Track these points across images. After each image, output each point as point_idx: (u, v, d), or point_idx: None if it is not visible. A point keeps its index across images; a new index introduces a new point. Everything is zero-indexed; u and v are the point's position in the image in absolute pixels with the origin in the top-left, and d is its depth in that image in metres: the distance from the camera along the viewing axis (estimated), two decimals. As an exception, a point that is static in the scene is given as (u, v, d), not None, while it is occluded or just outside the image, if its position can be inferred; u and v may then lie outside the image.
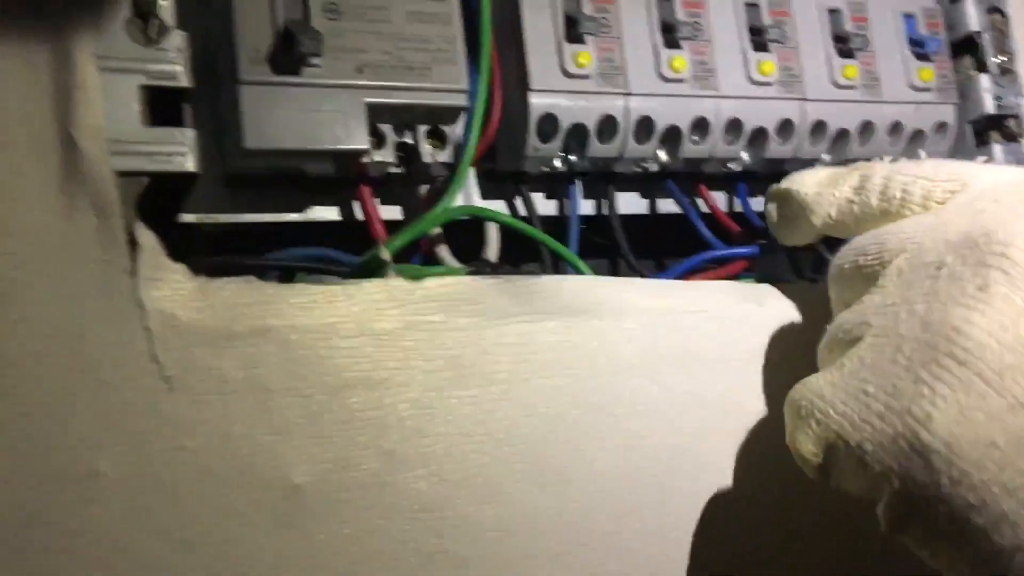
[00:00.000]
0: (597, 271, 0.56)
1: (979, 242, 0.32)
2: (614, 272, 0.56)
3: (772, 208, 0.45)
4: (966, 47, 0.56)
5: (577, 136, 0.47)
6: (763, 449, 0.43)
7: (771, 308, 0.45)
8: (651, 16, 0.48)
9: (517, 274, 0.52)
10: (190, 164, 0.36)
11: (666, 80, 0.47)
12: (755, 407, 0.43)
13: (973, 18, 0.55)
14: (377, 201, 0.45)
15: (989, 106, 0.55)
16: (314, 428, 0.36)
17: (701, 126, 0.49)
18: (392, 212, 0.47)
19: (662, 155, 0.49)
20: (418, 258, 0.45)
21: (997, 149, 0.55)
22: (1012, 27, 0.56)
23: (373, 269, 0.39)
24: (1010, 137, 0.55)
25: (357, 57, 0.41)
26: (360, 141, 0.41)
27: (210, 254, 0.44)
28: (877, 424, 0.30)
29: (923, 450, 0.29)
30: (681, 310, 0.43)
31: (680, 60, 0.47)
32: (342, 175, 0.43)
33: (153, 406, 0.33)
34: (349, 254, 0.44)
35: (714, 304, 0.44)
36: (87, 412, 0.32)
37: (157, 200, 0.38)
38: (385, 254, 0.39)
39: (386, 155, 0.43)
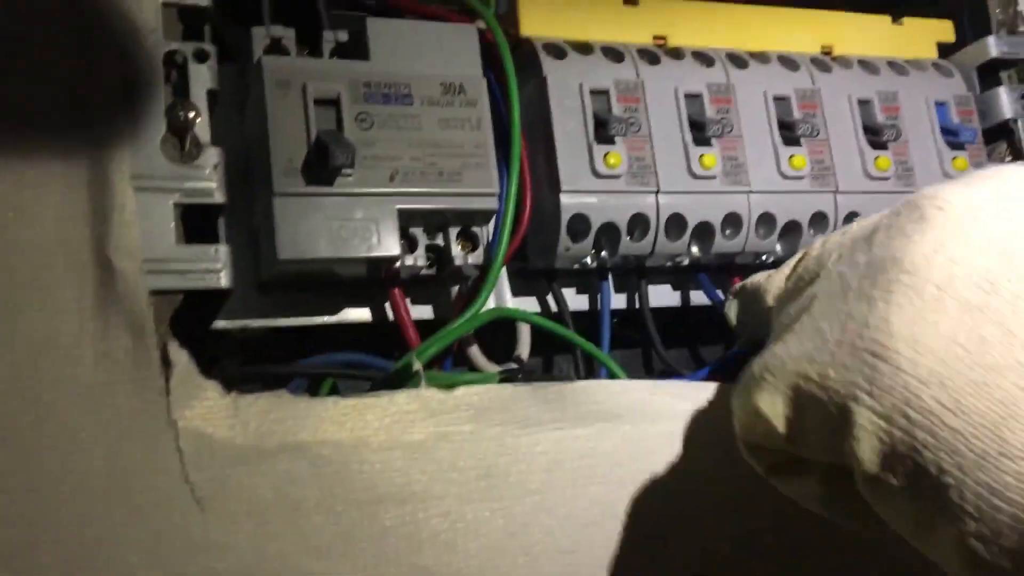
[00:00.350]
0: (630, 363, 0.56)
1: (910, 199, 0.33)
2: (647, 364, 0.56)
3: (733, 304, 0.44)
4: (1000, 133, 0.56)
5: (608, 234, 0.47)
6: (808, 554, 0.42)
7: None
8: (680, 114, 0.48)
9: (550, 372, 0.52)
10: (224, 281, 0.37)
11: (696, 177, 0.47)
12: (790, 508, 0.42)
13: (1007, 105, 0.55)
14: (409, 301, 0.45)
15: (1026, 194, 0.54)
16: (346, 545, 0.36)
17: (733, 221, 0.49)
18: (424, 311, 0.47)
19: (694, 250, 0.49)
20: (450, 361, 0.44)
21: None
22: (1046, 113, 0.55)
23: (404, 379, 0.39)
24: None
25: (389, 165, 0.42)
26: (391, 248, 0.41)
27: (245, 358, 0.45)
28: (835, 350, 0.30)
29: (887, 355, 0.28)
30: (714, 413, 0.43)
31: (710, 157, 0.47)
32: (374, 277, 0.44)
33: (185, 529, 0.33)
34: (381, 357, 0.44)
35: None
36: (120, 539, 0.32)
37: (191, 309, 0.39)
38: (416, 364, 0.39)
39: (418, 258, 0.43)
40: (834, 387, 0.30)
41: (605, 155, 0.45)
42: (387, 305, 0.45)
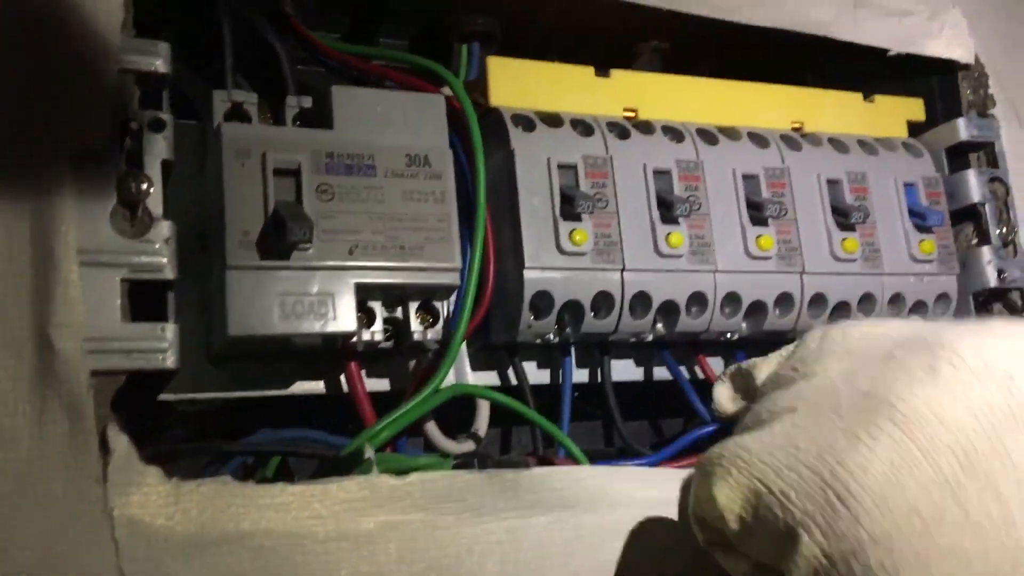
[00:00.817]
0: (591, 435, 0.55)
1: (928, 338, 0.33)
2: (608, 437, 0.55)
3: (723, 386, 0.43)
4: (967, 216, 0.56)
5: (572, 311, 0.46)
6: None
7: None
8: (649, 191, 0.47)
9: (508, 444, 0.51)
10: (170, 362, 0.35)
11: (663, 255, 0.47)
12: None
13: (975, 188, 0.55)
14: (365, 373, 0.44)
15: (991, 279, 0.54)
16: (286, 643, 0.34)
17: (698, 300, 0.48)
18: (381, 384, 0.46)
19: (659, 328, 0.48)
20: (405, 439, 0.43)
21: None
22: (1014, 198, 0.55)
23: (355, 463, 0.38)
24: (1013, 310, 0.54)
25: (349, 238, 0.41)
26: (347, 324, 0.40)
27: (193, 431, 0.43)
28: (805, 473, 0.30)
29: (851, 503, 0.29)
30: (669, 500, 0.42)
31: (677, 236, 0.47)
32: (330, 348, 0.42)
33: (117, 625, 0.32)
34: (336, 432, 0.43)
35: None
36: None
37: (135, 384, 0.37)
38: (368, 452, 0.37)
39: (375, 332, 0.42)
40: (792, 510, 0.29)
41: (571, 232, 0.45)
42: (343, 377, 0.44)
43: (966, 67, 0.58)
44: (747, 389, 0.42)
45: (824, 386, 0.33)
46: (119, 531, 0.33)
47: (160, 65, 0.38)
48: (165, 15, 0.43)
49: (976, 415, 0.30)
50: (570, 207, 0.45)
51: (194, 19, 0.44)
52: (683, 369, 0.51)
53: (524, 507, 0.39)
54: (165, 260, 0.36)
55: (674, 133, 0.50)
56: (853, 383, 0.32)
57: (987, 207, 0.55)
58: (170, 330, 0.35)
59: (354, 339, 0.41)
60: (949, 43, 0.57)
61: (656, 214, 0.47)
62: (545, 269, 0.44)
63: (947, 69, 0.58)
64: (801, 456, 0.30)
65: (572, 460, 0.44)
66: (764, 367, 0.41)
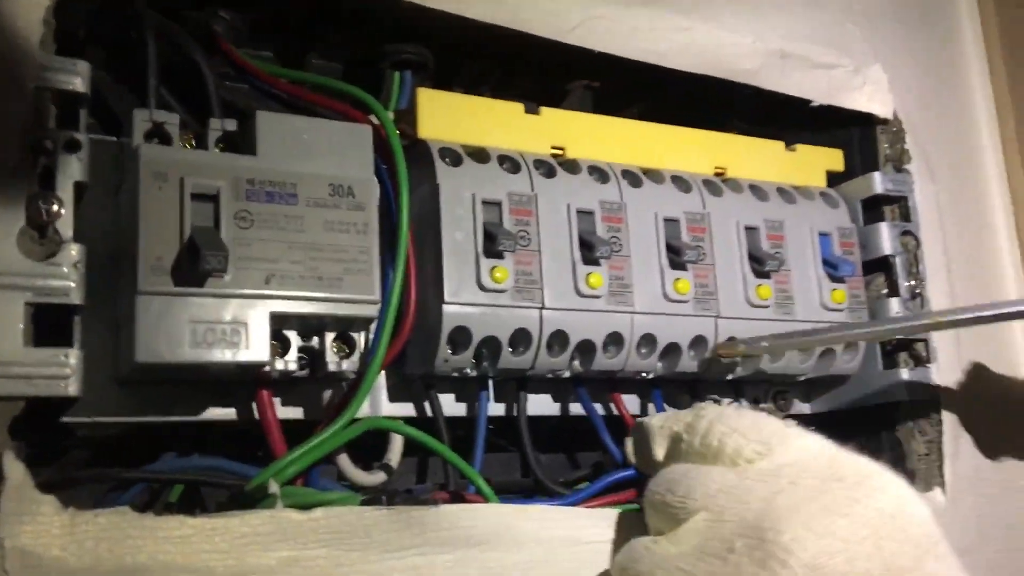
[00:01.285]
0: (507, 466, 0.55)
1: (767, 537, 0.34)
2: (525, 467, 0.55)
3: (630, 442, 0.45)
4: (878, 267, 0.57)
5: (490, 347, 0.46)
6: None
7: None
8: (571, 231, 0.48)
9: (424, 475, 0.51)
10: (72, 389, 0.34)
11: (582, 296, 0.47)
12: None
13: (887, 240, 0.57)
14: (280, 401, 0.44)
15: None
16: None
17: (615, 340, 0.49)
18: (295, 412, 0.45)
19: (576, 365, 0.49)
20: (317, 470, 0.43)
21: (904, 372, 0.55)
22: (924, 252, 0.57)
23: (261, 497, 0.38)
24: (918, 361, 0.56)
25: (266, 267, 0.40)
26: (260, 354, 0.40)
27: (97, 456, 0.42)
28: None
29: None
30: (577, 541, 0.42)
31: (597, 277, 0.47)
32: (243, 376, 0.42)
33: (1, 662, 0.31)
34: (246, 460, 0.42)
35: (601, 534, 0.43)
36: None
37: (36, 407, 0.36)
38: (273, 487, 0.37)
39: (289, 361, 0.42)
40: None
41: (492, 269, 0.45)
42: (255, 405, 0.44)
43: (885, 121, 0.60)
44: (645, 451, 0.43)
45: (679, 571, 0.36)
46: (10, 563, 0.32)
47: (79, 84, 0.37)
48: (95, 31, 0.43)
49: None
50: (493, 244, 0.45)
51: (122, 35, 0.44)
52: (598, 406, 0.51)
53: (430, 545, 0.39)
54: (73, 284, 0.35)
55: (599, 173, 0.50)
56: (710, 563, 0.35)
57: (898, 259, 0.57)
58: (74, 356, 0.35)
59: (267, 368, 0.41)
60: (870, 97, 0.59)
61: (578, 254, 0.47)
62: (465, 305, 0.45)
63: (866, 122, 0.60)
64: None
65: (482, 496, 0.45)
66: (660, 440, 0.42)
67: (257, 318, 0.40)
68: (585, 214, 0.48)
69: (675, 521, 0.38)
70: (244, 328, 0.40)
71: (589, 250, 0.47)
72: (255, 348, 0.40)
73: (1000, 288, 0.61)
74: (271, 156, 0.42)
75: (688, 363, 0.51)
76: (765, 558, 0.33)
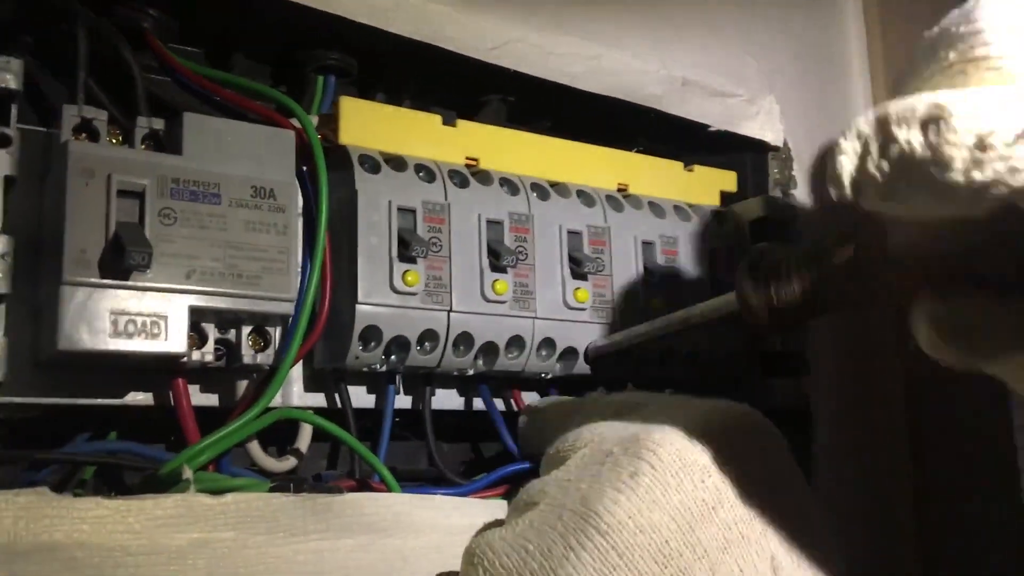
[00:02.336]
0: (413, 455, 0.58)
1: (640, 437, 0.38)
2: (430, 458, 0.58)
3: (523, 419, 0.50)
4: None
5: (399, 345, 0.49)
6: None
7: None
8: (481, 240, 0.51)
9: (334, 462, 0.53)
10: (-4, 374, 0.36)
11: (488, 300, 0.50)
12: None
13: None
14: (199, 388, 0.46)
15: (776, 346, 0.60)
16: (89, 652, 0.36)
17: (517, 343, 0.52)
18: (211, 399, 0.47)
19: (480, 364, 0.52)
20: (228, 457, 0.45)
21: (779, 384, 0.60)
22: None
23: (174, 481, 0.40)
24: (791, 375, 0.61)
25: (187, 263, 0.42)
26: (178, 345, 0.42)
27: (14, 437, 0.44)
28: None
29: None
30: (472, 528, 0.46)
31: (503, 284, 0.51)
32: (162, 366, 0.44)
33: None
34: (162, 445, 0.44)
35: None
36: None
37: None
38: (187, 472, 0.39)
39: (206, 353, 0.44)
40: None
41: (404, 273, 0.48)
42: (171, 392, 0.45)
43: (775, 148, 0.64)
44: (538, 434, 0.47)
45: (562, 482, 0.39)
46: (-72, 539, 0.34)
47: (10, 81, 0.38)
48: (28, 23, 0.44)
49: (672, 515, 0.35)
50: (406, 249, 0.48)
51: (52, 27, 0.45)
52: (499, 402, 0.55)
53: (333, 530, 0.42)
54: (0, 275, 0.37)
55: (510, 185, 0.54)
56: (578, 486, 0.38)
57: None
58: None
59: (184, 359, 0.43)
60: (763, 126, 0.64)
61: (486, 262, 0.51)
62: (377, 305, 0.47)
63: (759, 148, 0.65)
64: (529, 562, 0.36)
65: (385, 484, 0.47)
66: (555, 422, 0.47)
67: (177, 311, 0.42)
68: (494, 224, 0.52)
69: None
70: (164, 320, 0.42)
71: (496, 258, 0.51)
72: (173, 340, 0.42)
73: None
74: (196, 156, 0.44)
75: (584, 366, 0.55)
76: (638, 450, 0.37)
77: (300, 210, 0.48)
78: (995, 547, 0.63)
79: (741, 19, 0.64)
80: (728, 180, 0.64)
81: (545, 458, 0.44)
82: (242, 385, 0.48)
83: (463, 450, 0.61)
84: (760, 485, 0.37)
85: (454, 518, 0.46)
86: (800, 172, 0.64)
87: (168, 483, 0.40)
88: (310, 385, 0.50)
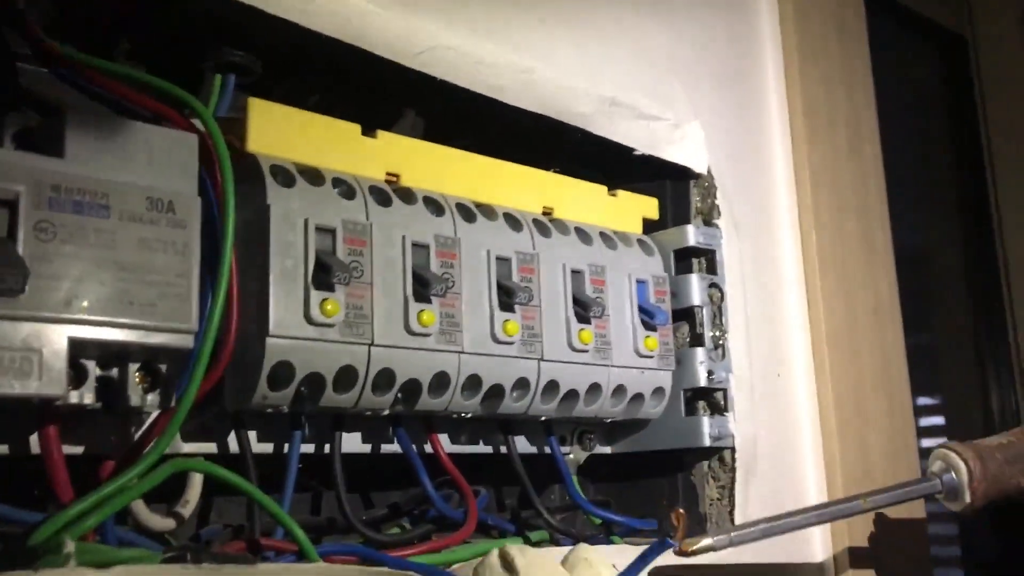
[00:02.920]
0: (318, 500, 0.52)
1: None
2: (341, 508, 0.52)
3: None
4: (685, 316, 0.59)
5: (312, 384, 0.43)
6: None
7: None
8: (405, 265, 0.46)
9: (207, 522, 0.46)
10: None
11: (413, 333, 0.45)
12: None
13: (696, 291, 0.59)
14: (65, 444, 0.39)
15: (702, 378, 0.58)
16: None
17: (441, 380, 0.47)
18: (76, 449, 0.40)
19: (399, 408, 0.46)
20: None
21: (704, 420, 0.58)
22: (728, 304, 0.60)
23: (50, 553, 0.33)
24: (716, 409, 0.59)
25: (68, 287, 0.35)
26: (54, 388, 0.35)
27: None
28: None
29: None
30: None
31: (429, 315, 0.45)
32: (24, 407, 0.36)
33: None
34: (22, 504, 0.37)
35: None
36: None
37: None
38: (69, 547, 0.32)
39: (85, 394, 0.37)
40: None
41: (322, 301, 0.42)
42: (33, 438, 0.38)
43: (698, 176, 0.62)
44: None
45: None
46: None
47: None
48: None
49: None
50: (325, 275, 0.42)
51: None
52: (414, 447, 0.49)
53: (239, 606, 0.36)
54: None
55: (435, 206, 0.49)
56: None
57: (704, 310, 0.59)
58: None
59: (59, 402, 0.36)
60: (686, 152, 0.61)
61: (411, 290, 0.45)
62: (290, 338, 0.41)
63: (681, 176, 0.62)
64: None
65: (292, 540, 0.41)
66: None
67: (53, 345, 0.35)
68: (420, 247, 0.46)
69: None
70: (38, 356, 0.34)
71: (423, 286, 0.46)
72: (48, 380, 0.35)
73: (787, 345, 0.65)
74: (81, 160, 0.37)
75: (510, 405, 0.50)
76: None
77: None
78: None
79: (668, 38, 0.61)
80: (650, 207, 0.61)
81: None
82: (115, 431, 0.40)
83: (365, 501, 0.55)
84: None
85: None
86: (723, 201, 0.62)
87: (39, 554, 0.33)
88: (193, 431, 0.43)
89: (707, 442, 0.57)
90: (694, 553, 0.47)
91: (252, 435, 0.45)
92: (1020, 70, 1.11)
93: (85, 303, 0.36)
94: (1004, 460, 0.50)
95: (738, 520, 0.57)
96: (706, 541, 0.47)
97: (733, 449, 0.58)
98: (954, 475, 0.51)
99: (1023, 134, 1.09)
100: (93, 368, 0.37)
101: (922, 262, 1.12)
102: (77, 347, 0.36)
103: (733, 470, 0.58)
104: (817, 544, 0.63)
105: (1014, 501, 0.49)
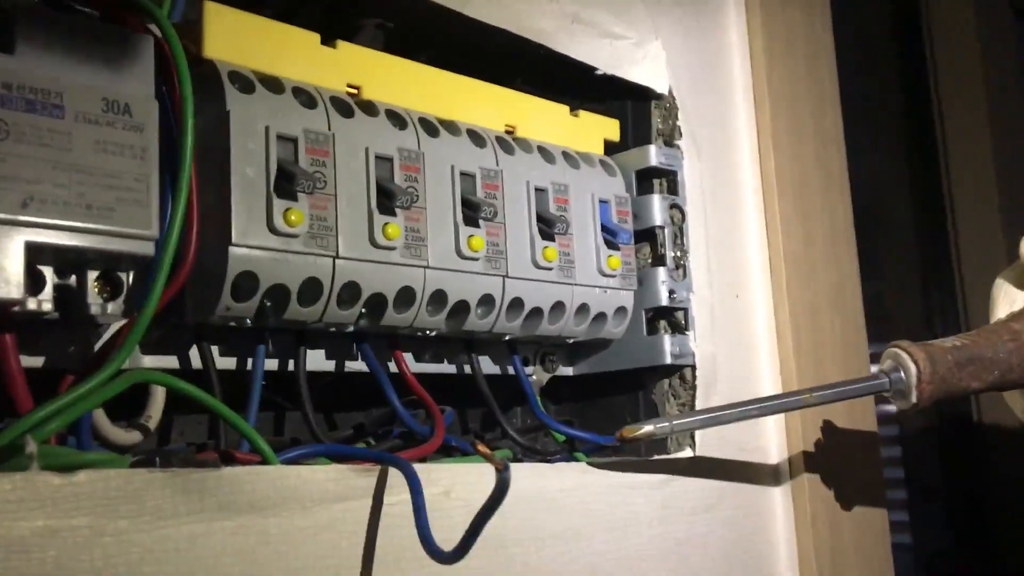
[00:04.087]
0: (281, 420, 0.51)
1: None
2: (308, 425, 0.52)
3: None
4: (647, 236, 0.60)
5: (276, 296, 0.42)
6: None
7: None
8: (369, 177, 0.45)
9: (168, 441, 0.46)
10: None
11: (377, 246, 0.45)
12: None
13: (657, 212, 0.59)
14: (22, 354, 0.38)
15: (663, 298, 0.58)
16: None
17: (406, 295, 0.47)
18: (35, 361, 0.39)
19: (363, 323, 0.46)
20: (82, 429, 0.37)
21: (665, 339, 0.58)
22: (688, 225, 0.60)
23: (10, 457, 0.32)
24: (677, 329, 0.59)
25: (23, 188, 0.34)
26: (11, 291, 0.34)
27: None
28: None
29: None
30: (363, 497, 0.40)
31: (394, 227, 0.45)
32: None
33: None
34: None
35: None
36: None
37: None
38: (31, 446, 0.31)
39: (43, 301, 0.36)
40: None
41: (286, 211, 0.41)
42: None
43: (659, 97, 0.62)
44: None
45: None
46: None
47: None
48: None
49: None
50: (288, 184, 0.41)
51: None
52: (380, 365, 0.49)
53: (208, 511, 0.36)
54: None
55: (397, 119, 0.48)
56: None
57: (666, 231, 0.59)
58: None
59: (16, 308, 0.35)
60: (648, 72, 0.61)
61: (375, 202, 0.45)
62: (253, 248, 0.41)
63: (643, 96, 0.62)
64: None
65: (258, 455, 0.41)
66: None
67: (10, 248, 0.34)
68: (383, 160, 0.46)
69: None
70: (-8, 259, 0.33)
71: (387, 198, 0.45)
72: (5, 282, 0.34)
73: (746, 266, 0.65)
74: (33, 58, 0.35)
75: (475, 322, 0.50)
76: None
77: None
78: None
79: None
80: (611, 128, 0.61)
81: None
82: (74, 343, 0.40)
83: (329, 420, 0.55)
84: None
85: (348, 491, 0.40)
86: (684, 123, 0.62)
87: (1, 459, 0.32)
88: (154, 344, 0.43)
89: (668, 360, 0.57)
90: (635, 440, 0.48)
91: (214, 350, 0.45)
92: (968, 11, 1.12)
93: (41, 205, 0.34)
94: (954, 362, 0.51)
95: (697, 437, 0.58)
96: (647, 428, 0.48)
97: (694, 367, 0.59)
98: (903, 374, 0.51)
99: (971, 77, 1.11)
100: (51, 276, 0.36)
101: (871, 200, 1.14)
102: (34, 252, 0.35)
103: (694, 388, 0.59)
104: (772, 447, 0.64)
105: (957, 399, 0.51)
